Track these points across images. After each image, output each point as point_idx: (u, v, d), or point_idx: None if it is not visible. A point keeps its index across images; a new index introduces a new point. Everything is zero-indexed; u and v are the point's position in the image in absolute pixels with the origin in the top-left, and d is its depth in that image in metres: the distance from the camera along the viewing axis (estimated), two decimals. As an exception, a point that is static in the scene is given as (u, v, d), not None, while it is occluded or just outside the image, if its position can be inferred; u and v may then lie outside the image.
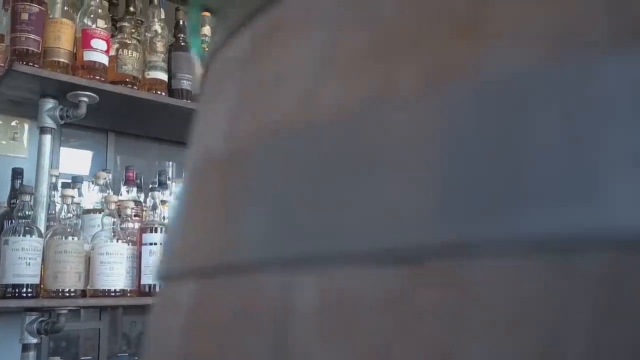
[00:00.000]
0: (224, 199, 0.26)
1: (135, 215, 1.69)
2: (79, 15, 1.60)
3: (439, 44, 0.20)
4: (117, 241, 1.55)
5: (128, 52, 1.66)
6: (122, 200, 1.69)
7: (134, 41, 1.70)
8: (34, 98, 1.57)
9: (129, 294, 1.56)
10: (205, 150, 0.31)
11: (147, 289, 1.58)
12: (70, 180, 1.69)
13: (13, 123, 1.77)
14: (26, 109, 1.66)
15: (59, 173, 1.75)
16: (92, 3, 1.61)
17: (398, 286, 0.18)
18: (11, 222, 1.46)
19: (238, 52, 0.30)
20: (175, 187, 1.82)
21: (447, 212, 0.18)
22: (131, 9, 1.84)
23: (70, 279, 1.45)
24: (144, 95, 1.68)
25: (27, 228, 1.42)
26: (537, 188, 0.16)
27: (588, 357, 0.15)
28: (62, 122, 1.58)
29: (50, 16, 1.54)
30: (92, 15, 1.60)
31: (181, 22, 1.84)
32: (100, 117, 1.76)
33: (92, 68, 1.57)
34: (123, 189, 1.77)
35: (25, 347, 1.47)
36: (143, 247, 1.60)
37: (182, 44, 1.82)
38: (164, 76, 1.74)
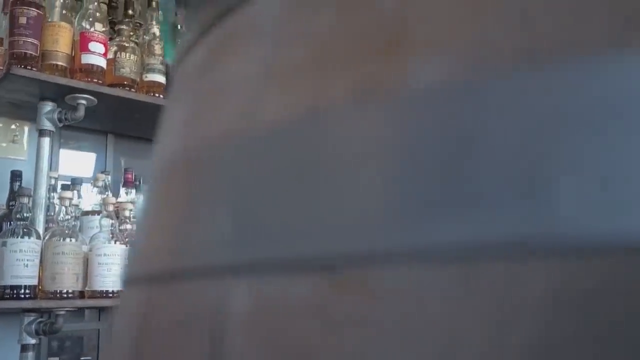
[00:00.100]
0: (179, 203, 0.27)
1: (133, 217, 1.70)
2: (77, 19, 1.61)
3: (367, 59, 0.21)
4: (115, 242, 1.56)
5: (126, 55, 1.67)
6: (121, 202, 1.70)
7: (132, 44, 1.71)
8: (33, 101, 1.58)
9: (127, 295, 1.57)
10: (170, 151, 0.32)
11: (145, 290, 1.59)
12: (70, 182, 1.71)
13: (13, 126, 1.79)
14: (26, 112, 1.67)
15: (59, 175, 1.76)
16: (90, 6, 1.63)
17: (318, 294, 0.19)
18: (10, 223, 1.47)
19: (198, 59, 0.31)
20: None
21: (365, 222, 0.18)
22: (130, 11, 1.85)
23: (68, 280, 1.47)
24: (142, 98, 1.69)
25: (25, 230, 1.44)
26: (447, 201, 0.17)
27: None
28: (61, 124, 1.60)
29: (49, 20, 1.56)
30: (90, 19, 1.61)
31: (179, 26, 1.85)
32: (99, 120, 1.77)
33: (90, 71, 1.59)
34: (122, 190, 1.79)
35: (24, 348, 1.49)
36: (141, 249, 1.60)
37: (181, 46, 1.82)
38: (162, 79, 1.75)
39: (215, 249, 0.23)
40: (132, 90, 1.67)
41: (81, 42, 1.59)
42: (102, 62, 1.61)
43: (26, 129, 1.80)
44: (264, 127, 0.23)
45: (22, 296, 1.41)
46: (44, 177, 1.56)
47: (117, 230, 1.59)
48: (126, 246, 1.59)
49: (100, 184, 1.74)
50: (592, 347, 0.14)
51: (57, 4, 1.57)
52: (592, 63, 0.17)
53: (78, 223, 1.57)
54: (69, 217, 1.52)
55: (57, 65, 1.54)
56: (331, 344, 0.18)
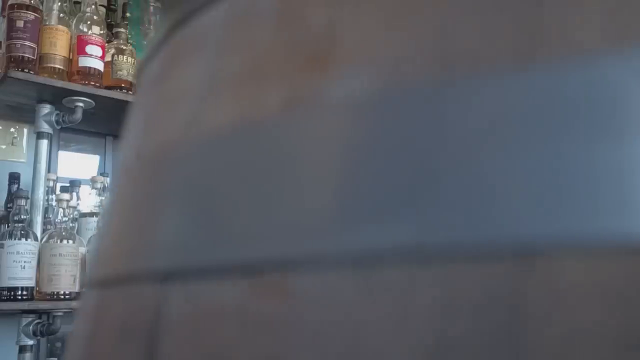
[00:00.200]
0: (131, 208, 0.28)
1: (131, 219, 1.71)
2: (74, 22, 1.63)
3: (299, 71, 0.22)
4: (112, 244, 1.57)
5: (124, 58, 1.68)
6: (119, 204, 1.71)
7: (130, 47, 1.72)
8: (31, 104, 1.60)
9: (124, 297, 1.58)
10: (127, 156, 0.32)
11: (142, 292, 1.60)
12: (68, 184, 1.72)
13: (12, 129, 1.80)
14: (24, 115, 1.68)
15: (57, 177, 1.77)
16: (88, 10, 1.64)
17: (240, 297, 0.19)
18: (7, 225, 1.48)
19: (155, 67, 0.32)
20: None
21: (286, 230, 0.19)
22: (127, 14, 1.86)
23: (65, 282, 1.48)
24: (139, 100, 1.70)
25: (22, 232, 1.45)
26: (354, 210, 0.18)
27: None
28: (59, 127, 1.61)
29: (46, 23, 1.57)
30: (87, 22, 1.62)
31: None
32: (98, 122, 1.78)
33: (87, 74, 1.60)
34: (120, 192, 1.79)
35: (22, 349, 1.50)
36: (138, 250, 1.61)
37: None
38: (159, 81, 1.76)
39: (155, 254, 0.24)
40: (130, 92, 1.68)
41: (78, 45, 1.60)
42: (99, 65, 1.62)
43: (25, 131, 1.81)
44: (206, 135, 0.24)
45: (20, 298, 1.42)
46: (41, 179, 1.58)
47: (115, 232, 1.60)
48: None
49: (98, 185, 1.75)
50: (479, 349, 0.15)
51: (55, 7, 1.59)
52: (499, 77, 0.18)
53: (76, 225, 1.58)
54: (67, 219, 1.54)
55: (54, 68, 1.55)
56: (247, 344, 0.19)
